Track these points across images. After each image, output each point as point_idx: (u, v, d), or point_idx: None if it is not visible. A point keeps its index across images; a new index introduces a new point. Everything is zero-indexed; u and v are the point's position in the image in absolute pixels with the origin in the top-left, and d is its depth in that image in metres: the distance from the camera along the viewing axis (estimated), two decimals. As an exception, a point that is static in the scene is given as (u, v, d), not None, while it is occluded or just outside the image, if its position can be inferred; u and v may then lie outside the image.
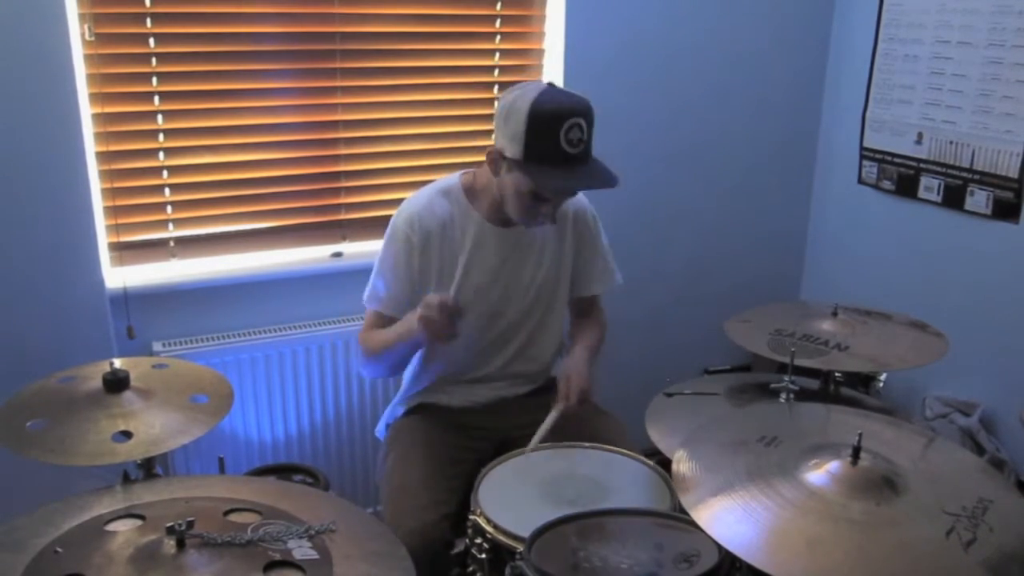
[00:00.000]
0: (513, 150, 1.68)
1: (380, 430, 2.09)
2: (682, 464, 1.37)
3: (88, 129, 2.10)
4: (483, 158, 1.79)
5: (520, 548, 1.36)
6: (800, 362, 1.76)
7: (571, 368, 1.83)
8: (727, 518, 1.22)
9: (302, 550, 1.20)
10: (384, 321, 1.87)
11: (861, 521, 1.19)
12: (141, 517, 1.28)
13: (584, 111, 1.67)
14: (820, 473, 1.28)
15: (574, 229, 1.95)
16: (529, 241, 1.90)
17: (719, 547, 1.23)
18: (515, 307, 1.92)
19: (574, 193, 1.85)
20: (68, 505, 1.31)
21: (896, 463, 1.31)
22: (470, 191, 1.87)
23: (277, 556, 1.18)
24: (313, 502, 1.39)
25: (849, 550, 1.14)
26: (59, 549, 1.19)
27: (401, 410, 2.02)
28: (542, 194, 1.71)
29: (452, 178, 1.90)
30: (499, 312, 1.91)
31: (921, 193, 2.62)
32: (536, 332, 1.97)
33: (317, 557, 1.19)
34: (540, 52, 2.60)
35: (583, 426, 1.91)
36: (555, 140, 1.64)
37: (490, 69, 2.56)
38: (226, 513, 1.30)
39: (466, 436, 1.93)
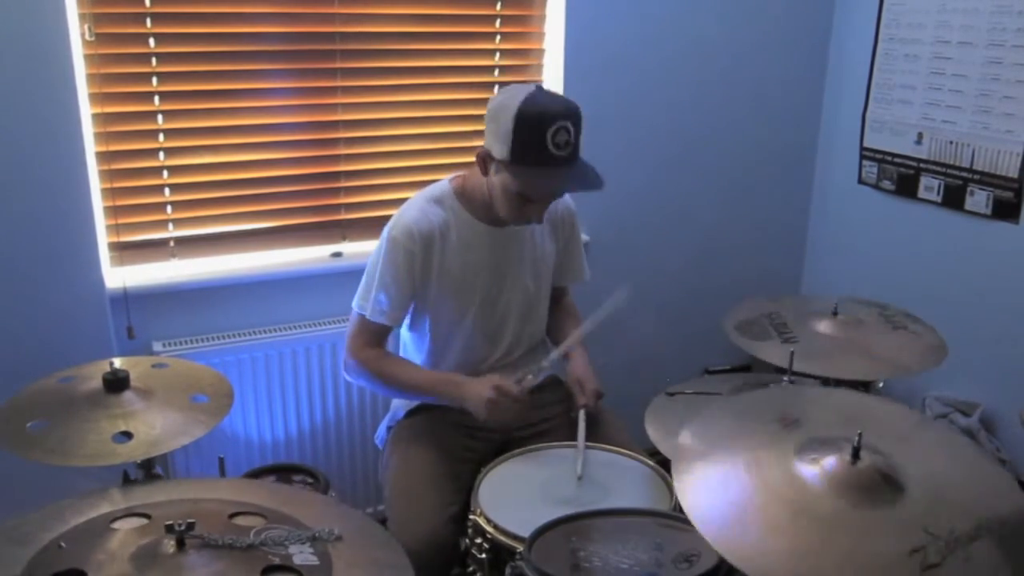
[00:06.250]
0: (501, 151, 1.70)
1: (380, 436, 2.08)
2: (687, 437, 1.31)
3: (88, 129, 2.09)
4: (482, 158, 1.80)
5: (520, 548, 1.36)
6: (800, 363, 1.76)
7: (580, 374, 1.95)
8: (702, 487, 1.19)
9: (302, 555, 1.20)
10: (381, 330, 1.87)
11: (827, 520, 1.12)
12: (147, 516, 1.28)
13: (571, 114, 1.68)
14: (813, 466, 1.20)
15: (562, 227, 2.02)
16: (523, 239, 1.93)
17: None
18: (513, 301, 1.95)
19: (560, 195, 1.87)
20: (78, 502, 1.32)
21: (902, 467, 1.20)
22: (462, 194, 1.89)
23: (276, 560, 1.18)
24: (319, 509, 1.38)
25: (800, 547, 1.09)
26: (63, 544, 1.20)
27: (402, 412, 2.01)
28: (527, 196, 1.74)
29: (441, 184, 1.92)
30: (498, 307, 1.93)
31: (921, 193, 2.62)
32: (527, 324, 2.00)
33: (317, 563, 1.19)
34: (540, 52, 2.60)
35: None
36: (541, 142, 1.65)
37: (490, 69, 2.55)
38: (231, 516, 1.30)
39: (468, 436, 1.93)
